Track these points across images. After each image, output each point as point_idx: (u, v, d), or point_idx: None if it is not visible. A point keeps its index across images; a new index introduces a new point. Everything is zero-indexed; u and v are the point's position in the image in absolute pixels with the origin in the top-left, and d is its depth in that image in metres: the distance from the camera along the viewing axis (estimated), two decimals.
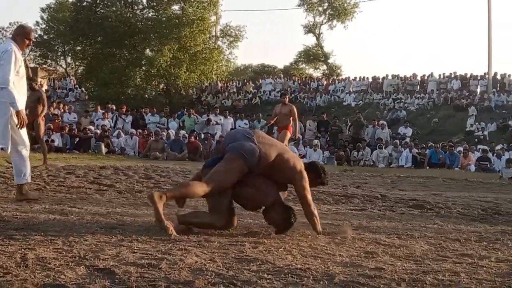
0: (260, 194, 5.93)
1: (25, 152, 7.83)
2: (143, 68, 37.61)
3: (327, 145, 25.91)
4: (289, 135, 16.13)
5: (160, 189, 9.29)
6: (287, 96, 17.35)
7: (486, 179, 16.45)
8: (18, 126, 7.53)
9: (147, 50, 37.93)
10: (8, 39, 8.08)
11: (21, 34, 7.85)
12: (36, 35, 45.29)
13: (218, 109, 29.27)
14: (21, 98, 7.66)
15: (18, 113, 7.47)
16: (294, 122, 16.02)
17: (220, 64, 40.09)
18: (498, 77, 35.04)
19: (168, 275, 4.01)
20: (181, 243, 5.15)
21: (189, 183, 6.04)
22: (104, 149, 22.07)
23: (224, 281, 3.91)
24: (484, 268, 4.64)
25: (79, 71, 46.56)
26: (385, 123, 27.99)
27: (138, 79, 38.12)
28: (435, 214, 8.23)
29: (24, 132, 7.80)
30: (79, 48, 41.80)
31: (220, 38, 41.84)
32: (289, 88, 40.11)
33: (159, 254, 4.65)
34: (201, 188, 5.73)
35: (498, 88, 33.89)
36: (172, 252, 4.75)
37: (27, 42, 7.90)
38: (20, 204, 7.28)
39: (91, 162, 16.06)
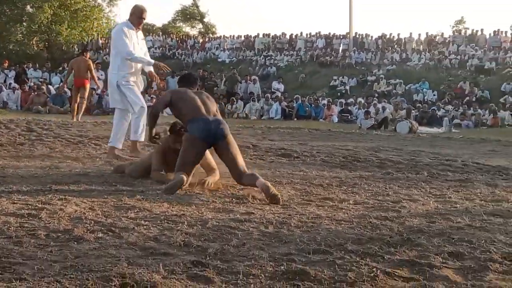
0: None
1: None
2: (24, 24, 36.13)
3: None
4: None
5: (43, 143, 9.04)
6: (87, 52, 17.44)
7: (347, 129, 16.92)
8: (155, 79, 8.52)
9: (28, 7, 36.38)
10: (126, 19, 8.18)
11: (134, 14, 8.07)
12: None
13: (100, 65, 28.46)
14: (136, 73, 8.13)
15: (155, 64, 8.20)
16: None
17: (101, 22, 39.13)
18: (358, 37, 35.92)
19: (47, 224, 3.89)
20: (61, 193, 5.00)
21: None
22: None
23: (102, 228, 3.83)
24: (343, 210, 4.77)
25: None
26: (257, 78, 28.20)
27: (20, 35, 36.59)
28: (301, 162, 8.37)
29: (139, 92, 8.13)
30: None
31: None
32: (167, 45, 39.58)
33: (39, 204, 4.50)
34: None
35: (358, 47, 34.76)
36: (52, 202, 4.61)
37: (140, 21, 8.13)
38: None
39: None
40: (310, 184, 6.21)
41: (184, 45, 39.93)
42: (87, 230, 3.76)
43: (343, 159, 8.76)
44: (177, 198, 5.04)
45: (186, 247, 3.50)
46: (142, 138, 8.08)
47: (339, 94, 28.28)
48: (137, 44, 8.08)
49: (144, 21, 8.35)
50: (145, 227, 3.92)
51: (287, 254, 3.40)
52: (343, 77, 30.27)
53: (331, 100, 24.67)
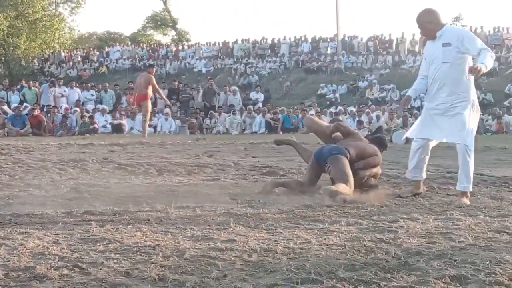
0: None
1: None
2: None
3: (178, 114, 25.84)
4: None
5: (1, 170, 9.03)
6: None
7: None
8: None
9: None
10: None
11: None
12: None
13: (62, 80, 28.37)
14: None
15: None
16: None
17: (63, 32, 39.21)
18: (347, 39, 36.14)
19: (6, 262, 3.86)
20: (22, 226, 4.97)
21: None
22: None
23: (68, 264, 3.81)
24: (335, 233, 4.76)
25: None
26: (236, 89, 28.27)
27: None
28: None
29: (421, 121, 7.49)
30: None
31: (61, 5, 40.77)
32: (137, 56, 39.64)
33: None
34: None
35: (347, 50, 34.97)
36: (11, 236, 4.58)
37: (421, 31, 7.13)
38: None
39: None
40: (298, 204, 6.20)
41: (155, 55, 40.09)
42: (50, 267, 3.73)
43: None
44: (150, 226, 5.03)
45: (161, 281, 3.48)
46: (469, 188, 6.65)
47: (328, 102, 28.43)
48: (432, 54, 7.00)
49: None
50: (115, 261, 3.90)
51: (273, 285, 3.39)
52: (332, 84, 30.42)
53: (319, 110, 24.74)
